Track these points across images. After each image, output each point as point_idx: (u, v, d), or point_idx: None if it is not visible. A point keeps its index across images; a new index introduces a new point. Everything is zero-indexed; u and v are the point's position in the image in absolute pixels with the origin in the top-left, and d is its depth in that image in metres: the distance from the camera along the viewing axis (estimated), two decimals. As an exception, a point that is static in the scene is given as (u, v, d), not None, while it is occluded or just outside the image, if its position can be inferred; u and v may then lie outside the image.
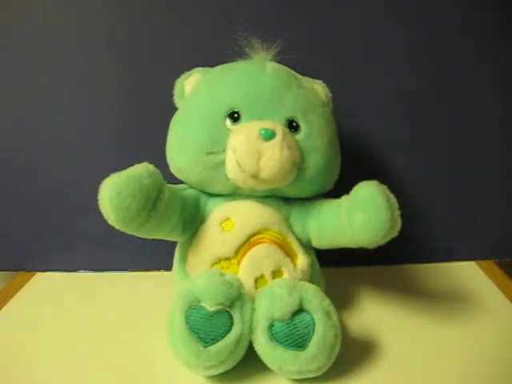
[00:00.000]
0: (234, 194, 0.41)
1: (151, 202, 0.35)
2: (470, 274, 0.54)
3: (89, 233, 0.56)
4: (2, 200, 0.56)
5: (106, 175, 0.35)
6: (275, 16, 0.52)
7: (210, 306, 0.34)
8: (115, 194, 0.33)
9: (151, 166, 0.36)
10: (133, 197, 0.34)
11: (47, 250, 0.57)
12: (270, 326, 0.35)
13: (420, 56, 0.53)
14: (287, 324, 0.34)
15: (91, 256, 0.57)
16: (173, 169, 0.42)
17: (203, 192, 0.43)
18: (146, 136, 0.53)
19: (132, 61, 0.53)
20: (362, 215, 0.36)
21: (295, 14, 0.52)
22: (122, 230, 0.35)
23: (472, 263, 0.56)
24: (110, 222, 0.35)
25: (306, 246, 0.43)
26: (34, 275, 0.56)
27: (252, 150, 0.37)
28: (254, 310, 0.36)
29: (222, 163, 0.38)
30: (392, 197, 0.37)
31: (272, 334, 0.34)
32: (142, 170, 0.35)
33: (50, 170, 0.55)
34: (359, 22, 0.52)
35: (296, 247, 0.41)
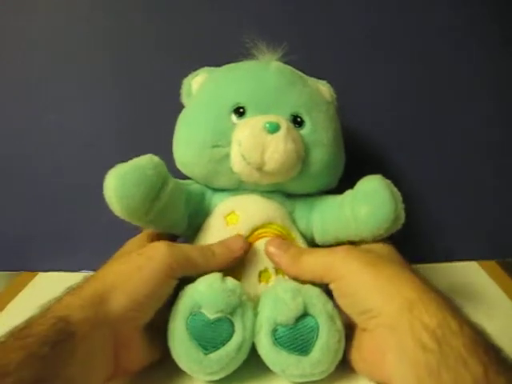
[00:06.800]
0: (239, 188, 0.41)
1: (155, 192, 0.35)
2: (471, 275, 0.53)
3: (91, 233, 0.56)
4: (2, 200, 0.56)
5: (108, 176, 0.35)
6: (279, 18, 0.52)
7: (210, 314, 0.34)
8: (120, 184, 0.34)
9: (156, 158, 0.37)
10: (137, 186, 0.34)
11: (49, 250, 0.57)
12: (274, 331, 0.34)
13: (420, 56, 0.54)
14: (291, 329, 0.34)
15: (93, 256, 0.56)
16: (178, 163, 0.42)
17: (208, 187, 0.43)
18: (146, 137, 0.53)
19: (133, 61, 0.54)
20: (366, 208, 0.36)
21: (295, 14, 0.53)
22: (127, 219, 0.36)
23: (474, 263, 0.56)
24: (115, 212, 0.35)
25: (310, 243, 0.43)
26: (36, 275, 0.56)
27: (256, 143, 0.37)
28: (257, 312, 0.35)
29: (227, 156, 0.39)
30: (396, 190, 0.37)
31: (276, 339, 0.34)
32: (146, 160, 0.36)
33: (51, 170, 0.55)
34: (359, 22, 0.53)
35: (301, 242, 0.41)
